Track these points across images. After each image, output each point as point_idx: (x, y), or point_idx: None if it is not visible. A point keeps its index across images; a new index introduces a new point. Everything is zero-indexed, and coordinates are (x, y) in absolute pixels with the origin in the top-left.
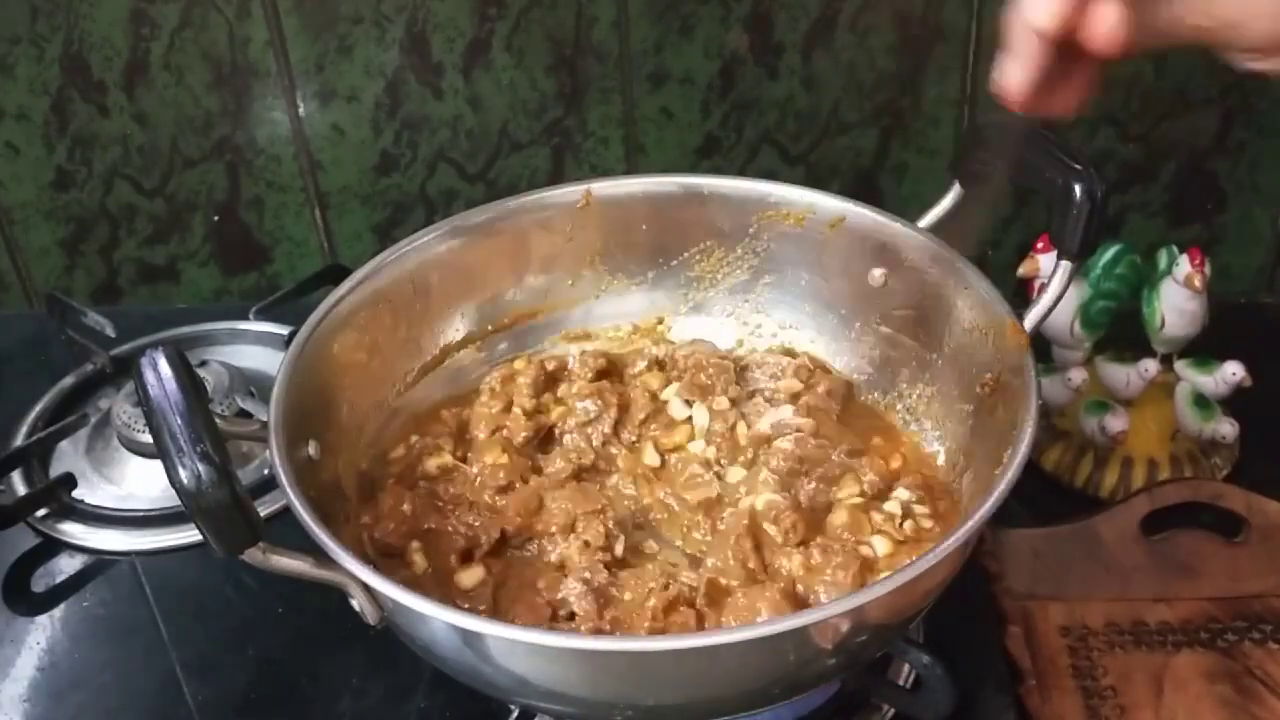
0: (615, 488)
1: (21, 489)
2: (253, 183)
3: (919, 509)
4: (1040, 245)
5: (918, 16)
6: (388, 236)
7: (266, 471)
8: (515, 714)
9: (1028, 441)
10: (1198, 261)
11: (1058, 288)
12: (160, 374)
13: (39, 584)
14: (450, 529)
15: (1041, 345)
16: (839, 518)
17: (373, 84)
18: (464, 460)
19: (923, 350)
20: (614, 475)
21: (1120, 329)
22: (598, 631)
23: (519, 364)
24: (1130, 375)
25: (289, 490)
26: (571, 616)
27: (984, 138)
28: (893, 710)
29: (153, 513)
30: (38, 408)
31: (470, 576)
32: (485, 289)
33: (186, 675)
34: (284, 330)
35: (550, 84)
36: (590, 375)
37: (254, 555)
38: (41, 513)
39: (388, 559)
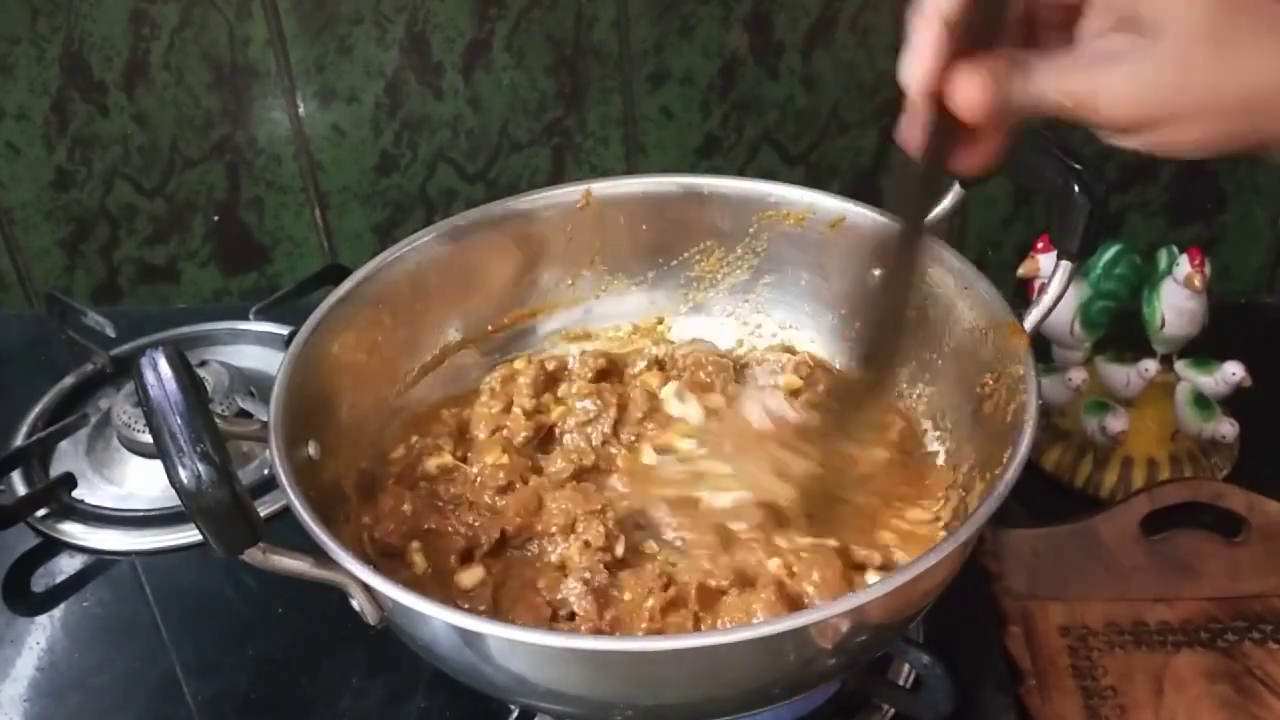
0: (615, 487)
1: (21, 489)
2: (253, 183)
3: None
4: (1040, 245)
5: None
6: (388, 236)
7: (266, 471)
8: (515, 714)
9: (1028, 441)
10: (1198, 261)
11: (1058, 288)
12: (160, 374)
13: (39, 584)
14: (450, 529)
15: (1041, 345)
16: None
17: (373, 84)
18: (464, 460)
19: (923, 350)
20: (614, 475)
21: (1120, 329)
22: (598, 631)
23: (519, 364)
24: (1130, 375)
25: (289, 490)
26: (571, 616)
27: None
28: (893, 710)
29: (153, 513)
30: (38, 408)
31: (470, 576)
32: (485, 289)
33: (186, 675)
34: (284, 330)
35: (550, 84)
36: (590, 375)
37: (254, 555)
38: (41, 513)
39: (388, 559)
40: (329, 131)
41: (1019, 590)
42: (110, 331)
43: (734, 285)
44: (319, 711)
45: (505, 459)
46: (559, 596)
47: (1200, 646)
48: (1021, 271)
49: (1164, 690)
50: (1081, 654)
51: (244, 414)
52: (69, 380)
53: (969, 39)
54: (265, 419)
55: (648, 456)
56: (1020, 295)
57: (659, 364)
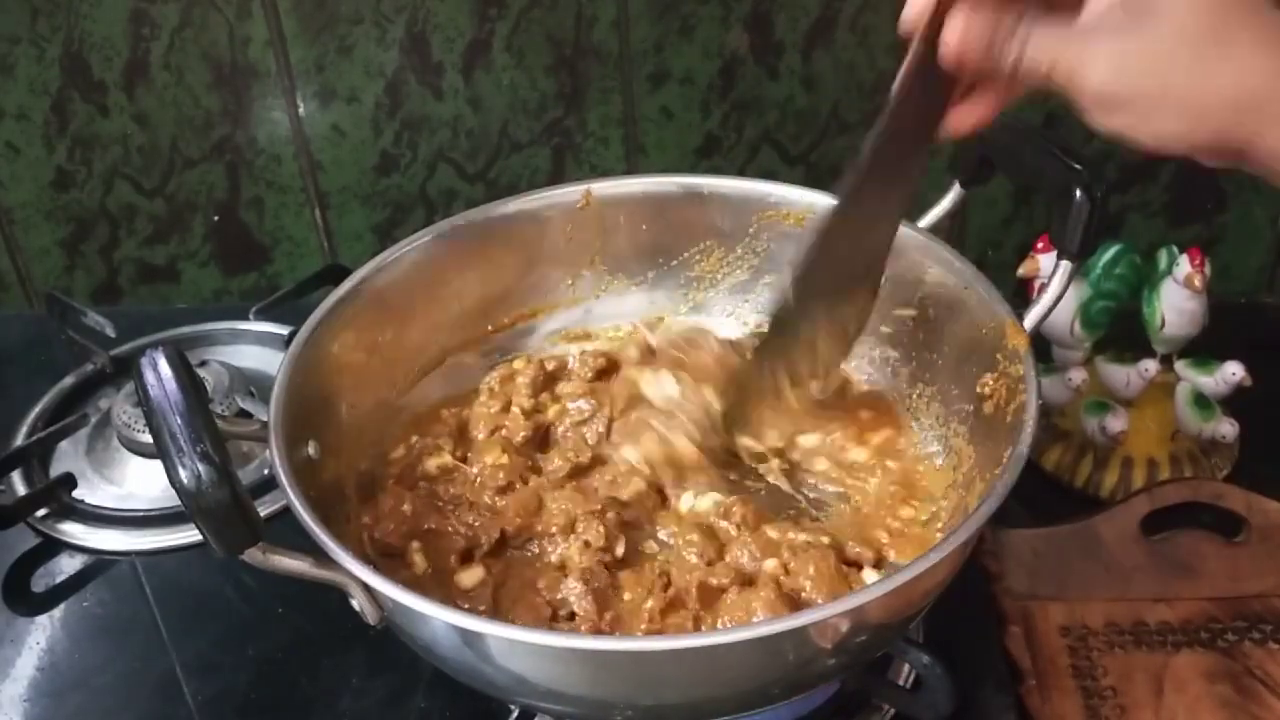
0: (615, 484)
1: (21, 489)
2: (253, 183)
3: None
4: (1040, 245)
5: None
6: (388, 236)
7: (266, 471)
8: (515, 714)
9: (1028, 441)
10: (1198, 261)
11: (1058, 288)
12: (160, 374)
13: (39, 584)
14: (450, 529)
15: (1041, 345)
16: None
17: (373, 84)
18: (464, 460)
19: (923, 350)
20: (609, 474)
21: (1120, 329)
22: (597, 631)
23: (518, 364)
24: (1130, 375)
25: (289, 490)
26: (571, 616)
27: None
28: (893, 710)
29: (153, 513)
30: (38, 408)
31: (470, 576)
32: (485, 289)
33: (186, 675)
34: (284, 330)
35: (550, 84)
36: (590, 375)
37: (254, 555)
38: (41, 513)
39: (388, 559)
40: (329, 131)
41: (1019, 590)
42: (110, 331)
43: (734, 285)
44: (319, 711)
45: (505, 459)
46: (559, 596)
47: (1200, 646)
48: (1021, 271)
49: (1164, 690)
50: (1081, 654)
51: (244, 414)
52: (69, 380)
53: None
54: (265, 419)
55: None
56: (1020, 295)
57: (650, 351)
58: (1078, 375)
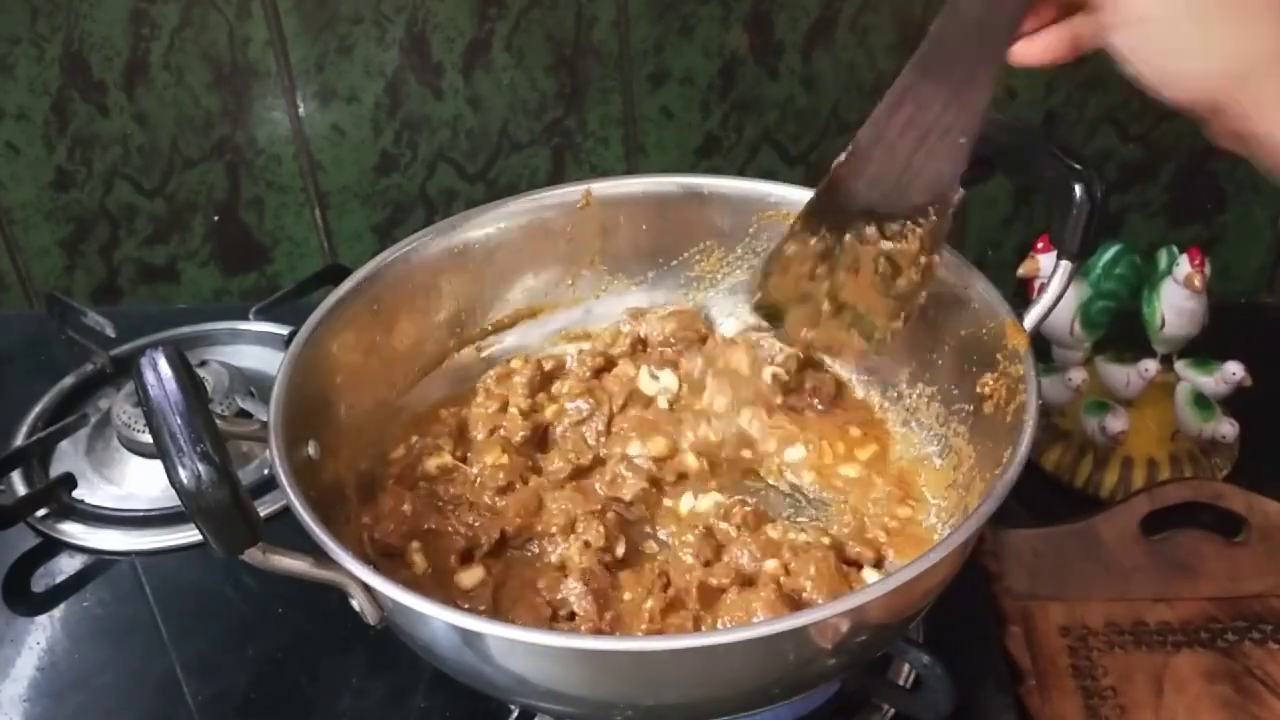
0: (614, 483)
1: (21, 489)
2: (253, 183)
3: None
4: (1040, 245)
5: (917, 16)
6: (388, 236)
7: (266, 471)
8: (515, 714)
9: (1028, 441)
10: (1198, 261)
11: (1058, 288)
12: (160, 374)
13: (39, 584)
14: (450, 529)
15: (1041, 345)
16: None
17: (373, 84)
18: (464, 460)
19: (923, 350)
20: (609, 474)
21: (1120, 329)
22: (597, 632)
23: (515, 363)
24: (1130, 375)
25: (289, 490)
26: (571, 616)
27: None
28: (893, 710)
29: (153, 513)
30: (38, 408)
31: (470, 577)
32: (485, 289)
33: (186, 675)
34: (284, 330)
35: (550, 84)
36: (588, 374)
37: (254, 555)
38: (41, 513)
39: (388, 559)
40: (329, 131)
41: (1019, 590)
42: (110, 331)
43: (734, 285)
44: (319, 711)
45: (505, 459)
46: (559, 596)
47: (1200, 646)
48: (1021, 271)
49: (1164, 690)
50: (1081, 654)
51: (244, 414)
52: (69, 380)
53: None
54: (265, 419)
55: (634, 449)
56: (1020, 295)
57: (641, 343)
58: (1078, 375)
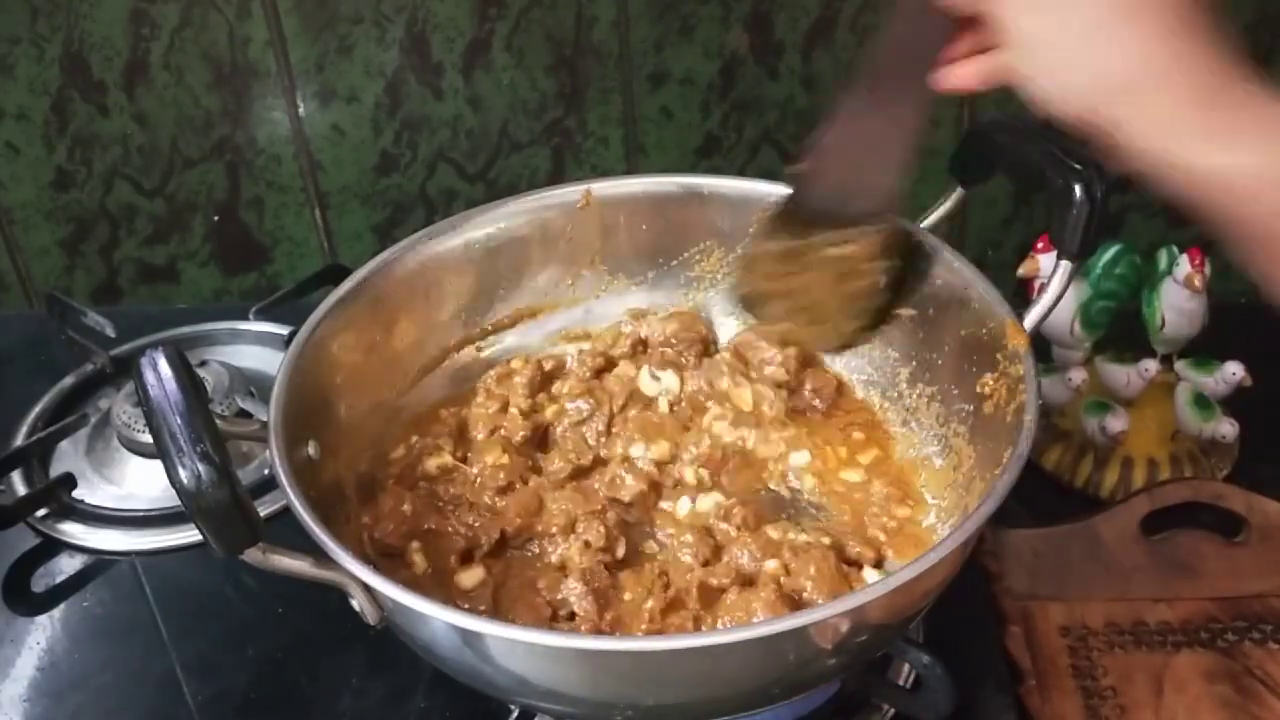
0: (614, 484)
1: (21, 489)
2: (253, 183)
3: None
4: (1040, 245)
5: None
6: (388, 236)
7: (266, 471)
8: (515, 714)
9: (1028, 441)
10: (1198, 261)
11: (1058, 288)
12: (160, 374)
13: (39, 584)
14: (450, 529)
15: (1041, 345)
16: None
17: (373, 84)
18: (464, 460)
19: (923, 350)
20: (609, 474)
21: (1120, 329)
22: (598, 632)
23: (516, 363)
24: (1130, 375)
25: (289, 490)
26: (571, 617)
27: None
28: (893, 710)
29: (153, 513)
30: (38, 408)
31: (470, 577)
32: (485, 289)
33: (186, 675)
34: (284, 330)
35: (550, 84)
36: (588, 374)
37: (254, 555)
38: (41, 513)
39: (388, 559)
40: (329, 131)
41: (1019, 590)
42: (110, 331)
43: (734, 285)
44: (319, 711)
45: (505, 459)
46: (559, 596)
47: (1200, 646)
48: (1021, 271)
49: (1164, 690)
50: (1081, 654)
51: (244, 414)
52: (69, 380)
53: None
54: (265, 419)
55: (636, 451)
56: (1020, 295)
57: (642, 344)
58: (1078, 375)
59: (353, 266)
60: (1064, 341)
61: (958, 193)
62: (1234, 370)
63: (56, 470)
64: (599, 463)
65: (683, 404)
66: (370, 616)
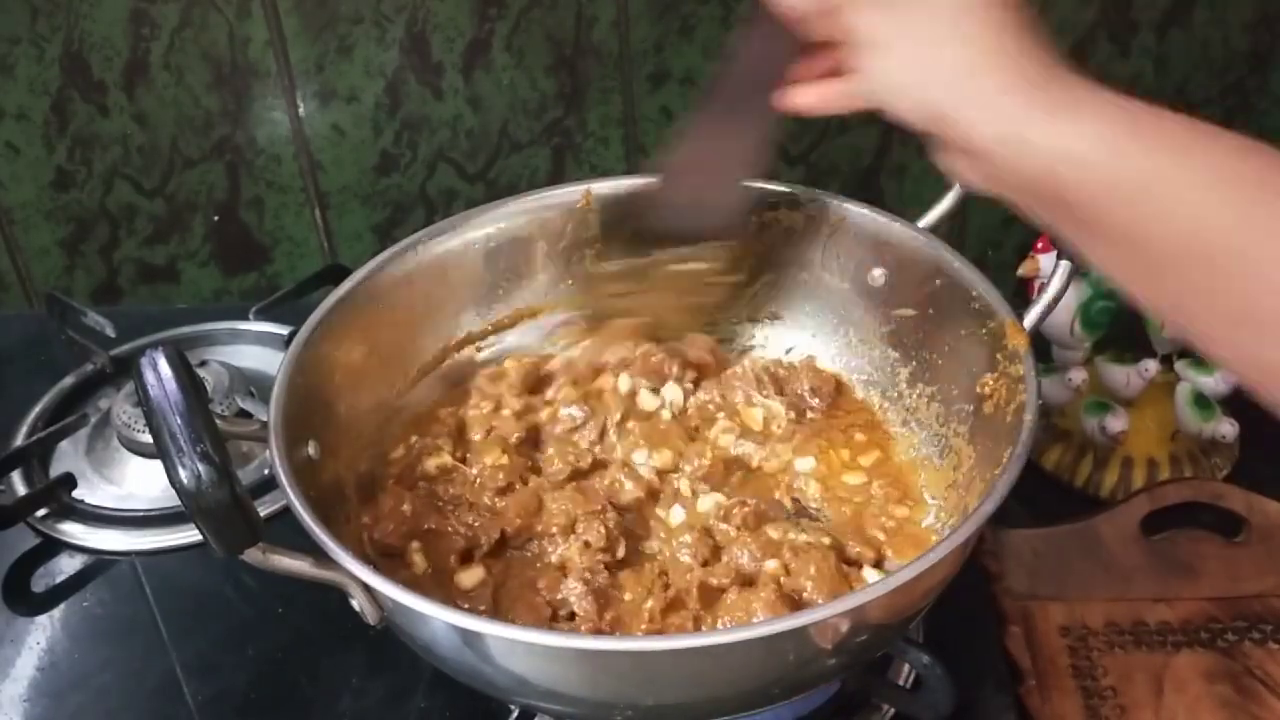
0: (612, 488)
1: (21, 489)
2: (253, 183)
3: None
4: (1040, 245)
5: None
6: (388, 236)
7: (266, 471)
8: (515, 714)
9: (1027, 442)
10: None
11: (1058, 288)
12: (160, 374)
13: (39, 584)
14: (450, 529)
15: (1041, 345)
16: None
17: (373, 84)
18: (463, 460)
19: (923, 350)
20: (608, 478)
21: (1120, 329)
22: (597, 632)
23: (509, 363)
24: (1130, 375)
25: (289, 490)
26: (571, 617)
27: None
28: (893, 710)
29: (153, 513)
30: (38, 408)
31: (470, 577)
32: (485, 289)
33: (186, 675)
34: (284, 330)
35: (550, 84)
36: (572, 381)
37: (254, 555)
38: (41, 513)
39: (388, 559)
40: (329, 131)
41: (1019, 590)
42: (110, 331)
43: (733, 285)
44: (319, 711)
45: (505, 459)
46: (559, 597)
47: (1200, 646)
48: (1021, 271)
49: (1164, 690)
50: (1081, 654)
51: (244, 414)
52: (69, 380)
53: None
54: (265, 419)
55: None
56: (1020, 295)
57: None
58: (1078, 375)
59: (353, 266)
60: (1064, 341)
61: (957, 192)
62: None
63: (56, 470)
64: (598, 465)
65: (689, 413)
66: (370, 616)
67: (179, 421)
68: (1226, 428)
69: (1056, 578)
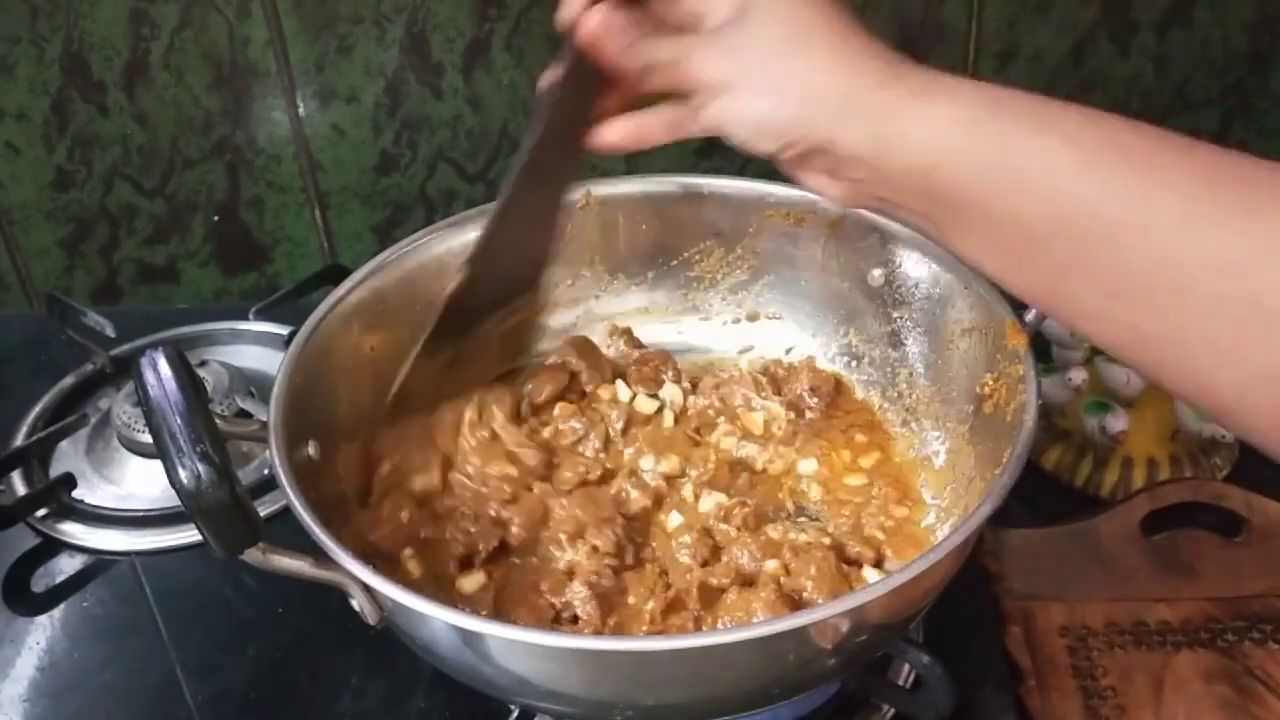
0: (619, 497)
1: (21, 489)
2: (253, 183)
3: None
4: None
5: (917, 16)
6: (388, 236)
7: (266, 471)
8: (515, 714)
9: (1028, 441)
10: None
11: None
12: (160, 374)
13: (39, 584)
14: (448, 535)
15: (1041, 345)
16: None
17: (373, 84)
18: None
19: (923, 350)
20: (615, 488)
21: None
22: (599, 634)
23: (494, 396)
24: (1130, 375)
25: (289, 490)
26: (574, 620)
27: None
28: (893, 710)
29: (153, 513)
30: (38, 408)
31: (471, 582)
32: None
33: (186, 675)
34: (284, 330)
35: None
36: (547, 396)
37: (254, 555)
38: (41, 513)
39: (386, 562)
40: (329, 131)
41: (1019, 590)
42: (110, 331)
43: (734, 285)
44: (319, 711)
45: (512, 470)
46: (563, 600)
47: (1200, 646)
48: None
49: (1164, 690)
50: (1081, 654)
51: (244, 414)
52: (69, 380)
53: None
54: (265, 419)
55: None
56: None
57: (616, 373)
58: (1078, 375)
59: (353, 266)
60: (1064, 341)
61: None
62: None
63: (56, 470)
64: (607, 476)
65: (689, 415)
66: (370, 616)
67: (179, 421)
68: None
69: (1056, 578)
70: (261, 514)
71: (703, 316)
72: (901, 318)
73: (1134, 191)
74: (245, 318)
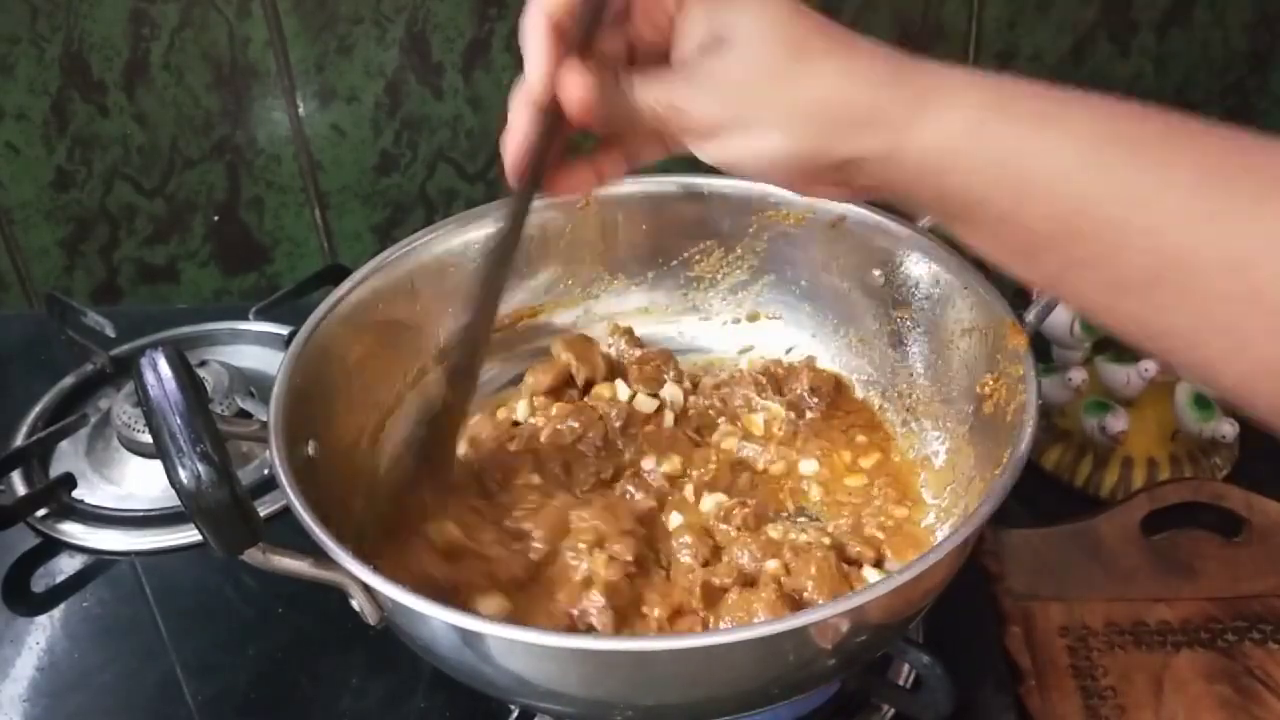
0: (623, 499)
1: (21, 489)
2: (253, 183)
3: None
4: None
5: (917, 16)
6: (388, 236)
7: (266, 471)
8: (515, 714)
9: (1028, 441)
10: None
11: None
12: (160, 374)
13: (39, 584)
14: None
15: (1041, 345)
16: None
17: (373, 84)
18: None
19: (923, 350)
20: (619, 487)
21: None
22: None
23: (480, 419)
24: (1130, 375)
25: (289, 490)
26: (589, 630)
27: None
28: (893, 710)
29: (153, 513)
30: (38, 408)
31: (490, 605)
32: None
33: (186, 675)
34: (284, 330)
35: None
36: (540, 395)
37: (254, 555)
38: (41, 513)
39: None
40: (329, 131)
41: (1019, 590)
42: (110, 331)
43: (734, 285)
44: (319, 711)
45: (536, 479)
46: (579, 609)
47: (1200, 646)
48: None
49: (1164, 690)
50: (1081, 654)
51: (244, 414)
52: (69, 380)
53: (575, 46)
54: (265, 419)
55: (648, 464)
56: (1020, 295)
57: (613, 368)
58: (1078, 375)
59: (353, 266)
60: (1064, 341)
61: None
62: None
63: (56, 470)
64: (618, 473)
65: (690, 415)
66: (370, 616)
67: (179, 421)
68: (1226, 428)
69: (1056, 578)
70: (261, 514)
71: (703, 316)
72: (901, 318)
73: (1137, 190)
74: (245, 318)
